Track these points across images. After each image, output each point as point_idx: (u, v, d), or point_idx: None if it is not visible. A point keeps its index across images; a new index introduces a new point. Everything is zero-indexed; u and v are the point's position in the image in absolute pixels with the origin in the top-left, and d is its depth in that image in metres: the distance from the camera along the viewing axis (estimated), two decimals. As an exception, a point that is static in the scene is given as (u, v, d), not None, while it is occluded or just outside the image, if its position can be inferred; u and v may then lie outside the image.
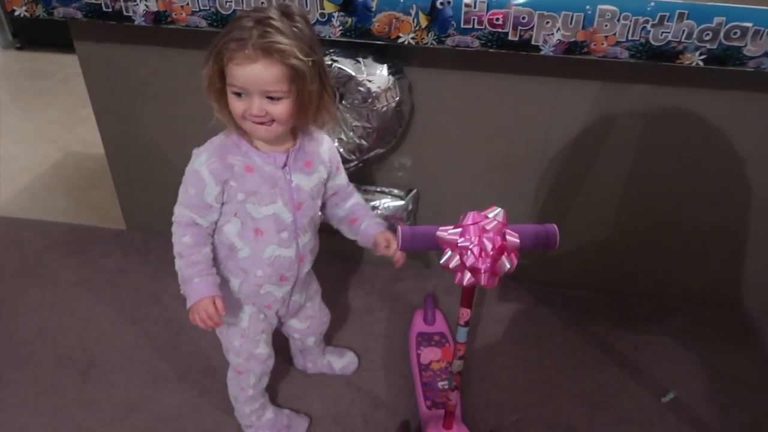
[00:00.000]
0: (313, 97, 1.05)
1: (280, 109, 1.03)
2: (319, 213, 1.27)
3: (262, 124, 1.04)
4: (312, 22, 1.41)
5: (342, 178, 1.26)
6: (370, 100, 1.51)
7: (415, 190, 1.80)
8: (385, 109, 1.53)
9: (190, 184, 1.13)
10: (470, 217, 0.94)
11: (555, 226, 1.02)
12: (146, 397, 1.56)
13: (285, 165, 1.13)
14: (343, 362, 1.62)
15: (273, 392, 1.56)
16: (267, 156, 1.12)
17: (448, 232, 0.94)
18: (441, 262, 0.95)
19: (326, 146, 1.20)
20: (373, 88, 1.50)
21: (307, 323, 1.44)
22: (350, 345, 1.70)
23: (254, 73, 0.99)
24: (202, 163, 1.11)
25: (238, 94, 1.03)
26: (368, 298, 1.88)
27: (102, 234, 2.14)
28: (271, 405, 1.47)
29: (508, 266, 0.94)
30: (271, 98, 1.02)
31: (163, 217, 2.09)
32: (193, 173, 1.12)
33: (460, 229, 0.94)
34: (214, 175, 1.10)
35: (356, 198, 1.31)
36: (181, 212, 1.14)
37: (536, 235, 1.02)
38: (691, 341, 1.76)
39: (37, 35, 3.74)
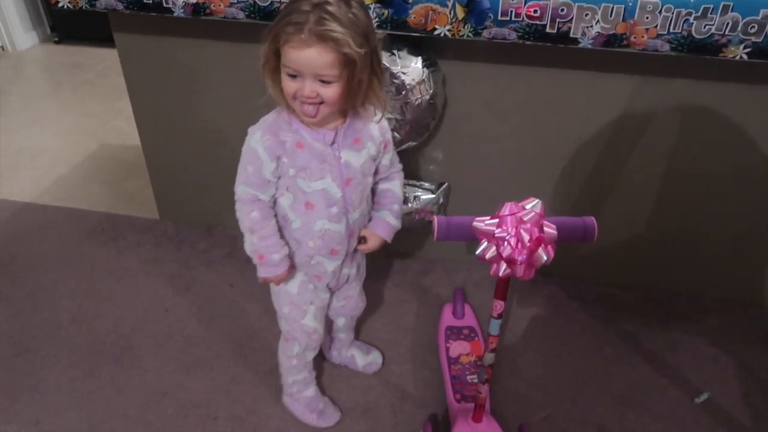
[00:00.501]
0: (363, 82, 1.07)
1: (331, 92, 1.04)
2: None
3: (311, 105, 1.06)
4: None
5: (387, 158, 1.26)
6: (404, 93, 1.51)
7: (446, 184, 1.80)
8: (418, 101, 1.53)
9: (248, 162, 1.16)
10: (508, 208, 0.93)
11: (593, 218, 1.01)
12: (178, 383, 1.59)
13: (333, 142, 1.15)
14: (367, 360, 1.62)
15: (302, 381, 1.58)
16: (316, 133, 1.14)
17: (484, 223, 0.93)
18: (477, 252, 0.95)
19: (378, 125, 1.21)
20: (407, 80, 1.50)
21: (343, 303, 1.46)
22: (379, 337, 1.71)
23: (308, 57, 1.00)
24: (257, 140, 1.14)
25: (292, 76, 1.04)
26: (397, 291, 1.89)
27: (136, 223, 2.18)
28: (314, 385, 1.50)
29: (545, 258, 0.93)
30: (323, 81, 1.03)
31: (195, 208, 2.14)
32: (249, 151, 1.15)
33: (497, 220, 0.93)
34: (269, 152, 1.13)
35: (393, 185, 1.31)
36: (243, 190, 1.18)
37: (574, 227, 1.01)
38: (725, 342, 1.73)
39: (75, 29, 3.82)
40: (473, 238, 0.96)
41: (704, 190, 1.68)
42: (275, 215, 1.23)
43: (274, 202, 1.21)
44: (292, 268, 1.28)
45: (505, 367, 1.62)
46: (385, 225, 1.30)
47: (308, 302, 1.34)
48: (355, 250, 1.32)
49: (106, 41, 3.58)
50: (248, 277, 1.93)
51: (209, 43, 1.73)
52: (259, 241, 1.20)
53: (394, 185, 1.31)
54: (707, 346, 1.71)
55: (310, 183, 1.16)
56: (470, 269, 1.96)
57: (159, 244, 2.09)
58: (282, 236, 1.24)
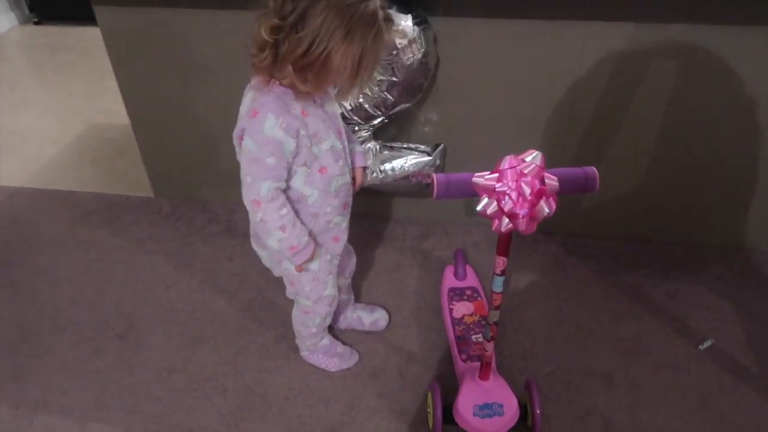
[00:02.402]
0: None
1: None
2: None
3: None
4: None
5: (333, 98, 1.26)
6: (395, 53, 1.48)
7: (442, 145, 1.77)
8: (410, 61, 1.50)
9: (267, 154, 1.09)
10: (507, 161, 0.91)
11: (594, 168, 1.00)
12: (185, 357, 1.59)
13: (320, 100, 1.16)
14: (372, 317, 1.63)
15: (308, 350, 1.58)
16: (307, 95, 1.11)
17: (484, 178, 0.92)
18: (478, 208, 0.93)
19: None
20: (398, 39, 1.46)
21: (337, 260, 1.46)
22: (382, 302, 1.71)
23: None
24: (273, 125, 1.07)
25: None
26: (398, 256, 1.88)
27: (130, 202, 2.16)
28: (328, 335, 1.55)
29: (547, 211, 0.92)
30: None
31: (189, 184, 2.12)
32: (267, 142, 1.08)
33: (497, 174, 0.91)
34: (290, 132, 1.09)
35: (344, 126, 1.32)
36: (267, 188, 1.12)
37: (575, 177, 0.99)
38: (726, 289, 1.73)
39: (54, 9, 3.73)
40: (473, 194, 0.95)
41: (701, 137, 1.66)
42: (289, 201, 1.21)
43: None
44: (317, 243, 1.27)
45: (510, 325, 1.63)
46: (359, 155, 1.34)
47: (328, 273, 1.35)
48: None
49: (86, 20, 3.50)
50: (247, 251, 1.90)
51: (194, 12, 1.69)
52: (289, 235, 1.17)
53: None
54: (709, 294, 1.72)
55: (320, 146, 1.15)
56: (470, 231, 1.95)
57: (155, 222, 2.07)
58: (297, 216, 1.22)
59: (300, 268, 1.26)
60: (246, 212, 1.93)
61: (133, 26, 1.77)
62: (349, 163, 1.27)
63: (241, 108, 1.14)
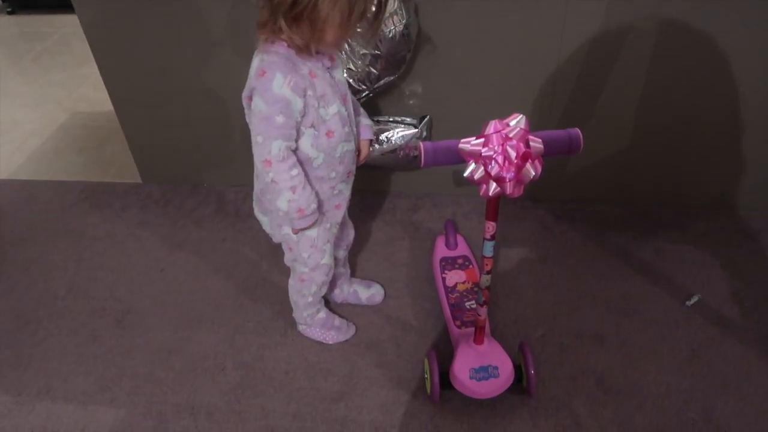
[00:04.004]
0: None
1: None
2: None
3: None
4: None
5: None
6: (376, 25, 1.48)
7: (428, 117, 1.78)
8: (392, 33, 1.50)
9: (276, 113, 1.11)
10: (492, 126, 0.93)
11: (578, 129, 1.01)
12: (183, 338, 1.61)
13: (330, 66, 1.19)
14: (369, 292, 1.65)
15: (305, 325, 1.61)
16: (317, 60, 1.15)
17: (470, 143, 0.93)
18: (465, 174, 0.95)
19: None
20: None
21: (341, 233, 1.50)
22: (375, 275, 1.73)
23: None
24: (281, 84, 1.09)
25: None
26: (389, 229, 1.90)
27: (119, 189, 2.16)
28: (324, 308, 1.57)
29: (533, 173, 0.94)
30: None
31: (177, 168, 2.12)
32: (275, 100, 1.10)
33: (482, 139, 0.93)
34: (297, 91, 1.11)
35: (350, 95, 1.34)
36: (278, 147, 1.13)
37: (559, 139, 1.01)
38: (711, 245, 1.77)
39: (27, -2, 3.67)
40: (460, 160, 0.96)
41: (680, 101, 1.68)
42: None
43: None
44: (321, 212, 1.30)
45: (501, 291, 1.66)
46: (367, 128, 1.35)
47: (326, 241, 1.38)
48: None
49: (62, 7, 3.47)
50: (239, 231, 1.93)
51: (170, -7, 1.68)
52: (299, 196, 1.18)
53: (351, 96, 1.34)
54: (694, 251, 1.76)
55: (327, 109, 1.17)
56: (459, 202, 1.97)
57: (145, 207, 2.07)
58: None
59: (296, 231, 1.27)
60: (236, 193, 1.95)
61: (112, 11, 1.75)
62: (355, 133, 1.29)
63: (250, 69, 1.14)
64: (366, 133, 1.35)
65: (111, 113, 2.05)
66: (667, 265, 1.72)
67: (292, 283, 1.49)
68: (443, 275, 1.65)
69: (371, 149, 1.39)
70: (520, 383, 1.39)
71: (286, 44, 1.10)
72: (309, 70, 1.13)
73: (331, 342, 1.56)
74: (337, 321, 1.58)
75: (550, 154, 0.99)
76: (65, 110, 2.69)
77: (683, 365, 1.46)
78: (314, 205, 1.22)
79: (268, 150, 1.13)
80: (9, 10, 3.75)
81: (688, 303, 1.60)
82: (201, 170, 2.10)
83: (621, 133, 1.78)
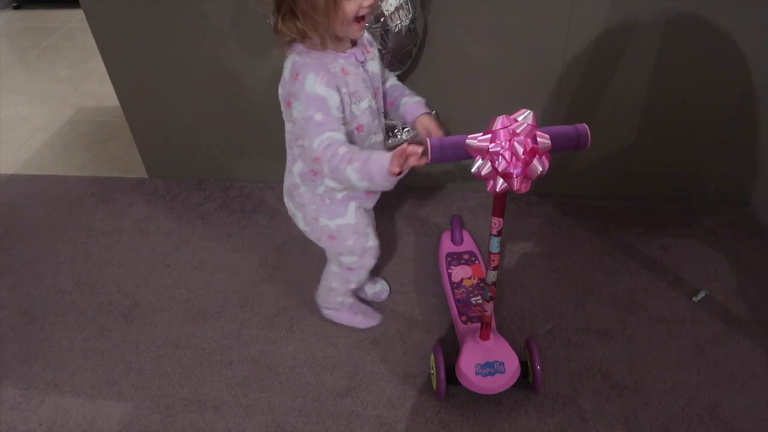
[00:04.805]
0: None
1: None
2: None
3: (364, 18, 1.09)
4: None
5: (376, 57, 1.26)
6: (382, 20, 1.47)
7: (433, 112, 1.77)
8: (398, 28, 1.49)
9: (314, 111, 1.10)
10: (500, 122, 0.92)
11: (585, 125, 1.01)
12: (189, 333, 1.61)
13: (363, 60, 1.18)
14: (375, 288, 1.65)
15: (309, 317, 1.61)
16: (348, 56, 1.15)
17: (477, 139, 0.93)
18: (472, 170, 0.95)
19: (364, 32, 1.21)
20: (385, 6, 1.46)
21: None
22: (381, 270, 1.73)
23: None
24: (314, 82, 1.09)
25: None
26: (395, 225, 1.90)
27: (125, 184, 2.16)
28: (352, 295, 1.58)
29: (540, 169, 0.94)
30: None
31: (183, 163, 2.12)
32: (311, 99, 1.10)
33: (489, 135, 0.93)
34: (331, 86, 1.10)
35: (393, 79, 1.35)
36: (319, 141, 1.11)
37: (567, 134, 1.00)
38: (718, 241, 1.77)
39: (32, -8, 3.67)
40: (467, 156, 0.96)
41: (687, 96, 1.67)
42: None
43: None
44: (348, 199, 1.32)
45: (508, 286, 1.66)
46: (417, 105, 1.29)
47: (367, 224, 1.39)
48: None
49: (66, 2, 3.47)
50: (244, 226, 1.94)
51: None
52: (364, 161, 1.08)
53: (394, 80, 1.35)
54: (701, 247, 1.75)
55: (359, 105, 1.17)
56: (464, 197, 1.96)
57: (151, 202, 2.08)
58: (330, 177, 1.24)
59: (398, 173, 1.05)
60: (241, 188, 1.95)
61: (118, 7, 1.75)
62: (383, 123, 1.29)
63: (283, 72, 1.16)
64: (417, 109, 1.27)
65: (117, 108, 2.05)
66: (674, 261, 1.71)
67: (336, 272, 1.46)
68: (449, 271, 1.65)
69: (435, 121, 1.26)
70: (525, 379, 1.39)
71: (304, 45, 1.11)
72: (341, 67, 1.13)
73: (360, 326, 1.57)
74: (362, 306, 1.59)
75: (557, 150, 0.98)
76: (71, 105, 2.69)
77: (690, 361, 1.46)
78: (379, 156, 1.08)
79: (314, 147, 1.12)
80: (14, 4, 3.75)
81: (695, 299, 1.60)
82: (206, 166, 2.10)
83: (628, 129, 1.77)
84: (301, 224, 1.38)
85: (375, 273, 1.71)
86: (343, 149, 1.11)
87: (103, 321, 1.67)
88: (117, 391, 1.48)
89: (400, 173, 1.05)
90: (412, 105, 1.29)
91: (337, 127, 1.13)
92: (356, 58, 1.17)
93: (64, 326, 1.66)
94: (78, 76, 2.92)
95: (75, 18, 3.48)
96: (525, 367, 1.38)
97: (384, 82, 1.31)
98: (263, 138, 1.98)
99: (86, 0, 1.76)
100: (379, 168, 1.06)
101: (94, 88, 2.78)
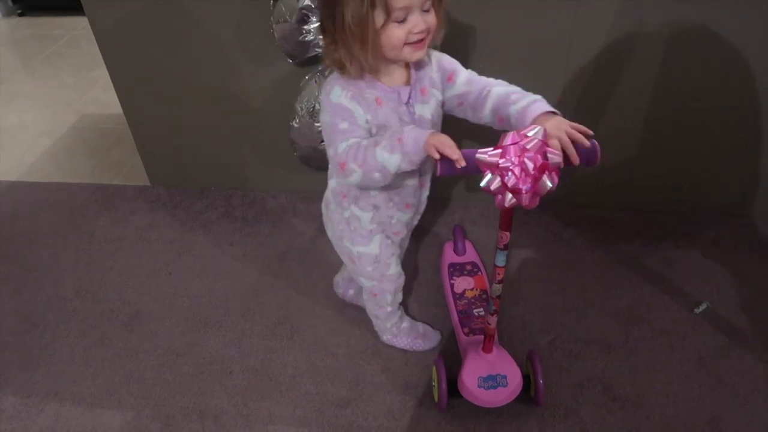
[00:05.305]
0: (444, 2, 1.06)
1: (433, 17, 1.04)
2: None
3: (420, 42, 1.04)
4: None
5: (462, 83, 1.17)
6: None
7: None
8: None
9: (338, 120, 1.08)
10: (510, 137, 0.92)
11: (596, 141, 1.01)
12: (190, 342, 1.61)
13: (409, 98, 1.13)
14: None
15: (310, 326, 1.61)
16: (392, 90, 1.11)
17: (488, 154, 0.93)
18: (481, 184, 0.95)
19: (434, 65, 1.17)
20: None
21: None
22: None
23: None
24: (339, 95, 1.08)
25: (400, 21, 1.01)
26: (396, 235, 1.90)
27: (128, 191, 2.17)
28: (406, 316, 1.57)
29: (550, 185, 0.93)
30: (425, 11, 1.03)
31: (185, 171, 2.12)
32: (336, 108, 1.08)
33: (500, 150, 0.93)
34: (356, 101, 1.08)
35: (499, 88, 1.14)
36: (343, 147, 1.07)
37: (577, 151, 1.00)
38: (720, 254, 1.76)
39: (37, 0, 3.69)
40: (476, 170, 0.96)
41: (692, 107, 1.68)
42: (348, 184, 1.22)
43: None
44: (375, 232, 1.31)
45: (509, 297, 1.65)
46: (540, 103, 1.07)
47: (390, 255, 1.37)
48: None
49: (71, 9, 3.48)
50: (246, 235, 1.94)
51: (182, -2, 1.68)
52: (391, 136, 1.03)
53: (498, 92, 1.13)
54: (703, 259, 1.75)
55: None
56: (466, 207, 1.97)
57: (153, 210, 2.08)
58: (357, 204, 1.25)
59: (435, 152, 0.99)
60: (243, 197, 1.96)
61: (123, 14, 1.76)
62: (422, 170, 1.23)
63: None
64: (537, 108, 1.06)
65: (120, 116, 2.06)
66: (676, 274, 1.71)
67: (367, 298, 1.48)
68: (451, 281, 1.65)
69: (563, 124, 1.02)
70: (527, 392, 1.38)
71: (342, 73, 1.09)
72: (376, 96, 1.09)
73: (420, 349, 1.54)
74: (421, 328, 1.56)
75: (566, 166, 0.98)
76: (75, 112, 2.70)
77: (691, 375, 1.45)
78: (425, 131, 1.03)
79: (338, 155, 1.08)
80: (19, 12, 3.77)
81: (697, 311, 1.60)
82: (209, 174, 2.11)
83: (630, 139, 1.78)
84: (329, 234, 1.40)
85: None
86: (364, 142, 1.06)
87: (104, 329, 1.66)
88: (117, 399, 1.48)
89: (437, 158, 0.98)
90: (533, 105, 1.06)
91: (363, 135, 1.09)
92: (400, 98, 1.11)
93: (65, 334, 1.66)
94: (82, 83, 2.93)
95: (80, 26, 3.50)
96: (527, 380, 1.37)
97: (485, 97, 1.14)
98: (266, 147, 1.99)
99: (90, 8, 1.77)
100: (413, 139, 1.01)
101: (98, 96, 2.80)
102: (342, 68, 1.07)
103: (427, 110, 1.16)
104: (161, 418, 1.43)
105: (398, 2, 0.99)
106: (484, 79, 1.18)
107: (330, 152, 1.11)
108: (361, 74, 1.08)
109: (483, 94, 1.15)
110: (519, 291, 1.68)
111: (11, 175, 2.32)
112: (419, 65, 1.14)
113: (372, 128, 1.11)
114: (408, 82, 1.13)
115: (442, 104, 1.19)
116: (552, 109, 1.05)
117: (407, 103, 1.13)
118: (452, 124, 1.78)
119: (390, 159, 1.03)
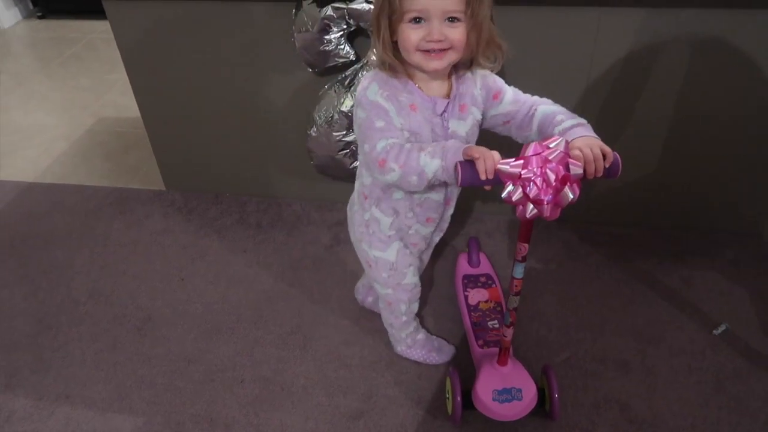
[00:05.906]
0: (486, 22, 1.02)
1: (459, 32, 1.00)
2: None
3: (438, 52, 1.01)
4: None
5: (508, 102, 1.14)
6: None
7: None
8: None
9: (375, 117, 1.06)
10: (532, 148, 0.92)
11: (617, 154, 1.00)
12: (202, 349, 1.60)
13: (444, 111, 1.11)
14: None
15: (323, 336, 1.60)
16: (429, 99, 1.09)
17: (510, 165, 0.92)
18: (503, 195, 0.94)
19: (479, 84, 1.14)
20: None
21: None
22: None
23: None
24: (375, 92, 1.07)
25: (416, 21, 0.99)
26: (411, 246, 1.89)
27: (143, 195, 2.17)
28: (422, 328, 1.56)
29: (571, 196, 0.93)
30: (450, 21, 0.99)
31: (201, 176, 2.13)
32: (372, 106, 1.07)
33: (521, 161, 0.92)
34: (391, 101, 1.06)
35: (541, 115, 1.11)
36: (383, 145, 1.05)
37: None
38: (739, 274, 1.74)
39: (57, 3, 3.72)
40: (498, 181, 0.95)
41: (714, 122, 1.66)
42: (372, 184, 1.22)
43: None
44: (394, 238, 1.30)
45: (525, 312, 1.64)
46: (582, 128, 1.04)
47: (407, 265, 1.36)
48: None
49: (90, 13, 3.53)
50: (260, 242, 1.93)
51: (204, 4, 1.69)
52: (433, 149, 1.03)
53: (545, 106, 1.12)
54: (722, 279, 1.73)
55: None
56: (481, 219, 1.95)
57: (168, 214, 2.08)
58: (378, 207, 1.25)
59: (473, 154, 0.96)
60: (258, 204, 1.95)
61: (143, 19, 1.77)
62: (450, 186, 1.21)
63: None
64: (576, 132, 1.02)
65: (137, 120, 2.07)
66: (694, 292, 1.69)
67: (383, 307, 1.48)
68: (466, 293, 1.63)
69: (593, 149, 0.97)
70: (542, 407, 1.36)
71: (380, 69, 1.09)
72: (411, 102, 1.08)
73: (434, 363, 1.52)
74: (437, 342, 1.55)
75: (588, 177, 0.97)
76: (92, 115, 2.72)
77: (709, 397, 1.43)
78: (457, 143, 1.02)
79: (377, 151, 1.06)
80: (39, 14, 3.81)
81: (716, 332, 1.57)
82: (224, 180, 2.11)
83: (650, 156, 1.76)
84: (351, 236, 1.40)
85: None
86: (408, 145, 1.05)
87: (117, 333, 1.66)
88: (128, 405, 1.47)
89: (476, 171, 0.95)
90: (563, 132, 1.04)
91: (399, 136, 1.07)
92: (435, 109, 1.10)
93: (78, 337, 1.65)
94: (100, 86, 2.95)
95: (98, 29, 3.53)
96: (542, 394, 1.35)
97: (527, 126, 1.13)
98: (281, 153, 1.99)
99: (112, 12, 1.78)
100: (454, 147, 1.00)
101: (116, 99, 2.81)
102: (381, 64, 1.07)
103: (463, 128, 1.13)
104: (172, 425, 1.42)
105: (413, 4, 0.98)
106: (529, 97, 1.16)
107: (365, 148, 1.09)
108: (394, 74, 1.07)
109: (530, 113, 1.12)
110: (535, 306, 1.66)
111: (28, 176, 2.33)
112: (462, 80, 1.12)
113: (405, 132, 1.09)
114: (448, 95, 1.12)
115: (481, 123, 1.18)
116: (593, 135, 1.03)
117: (441, 115, 1.11)
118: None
119: (431, 163, 1.02)
